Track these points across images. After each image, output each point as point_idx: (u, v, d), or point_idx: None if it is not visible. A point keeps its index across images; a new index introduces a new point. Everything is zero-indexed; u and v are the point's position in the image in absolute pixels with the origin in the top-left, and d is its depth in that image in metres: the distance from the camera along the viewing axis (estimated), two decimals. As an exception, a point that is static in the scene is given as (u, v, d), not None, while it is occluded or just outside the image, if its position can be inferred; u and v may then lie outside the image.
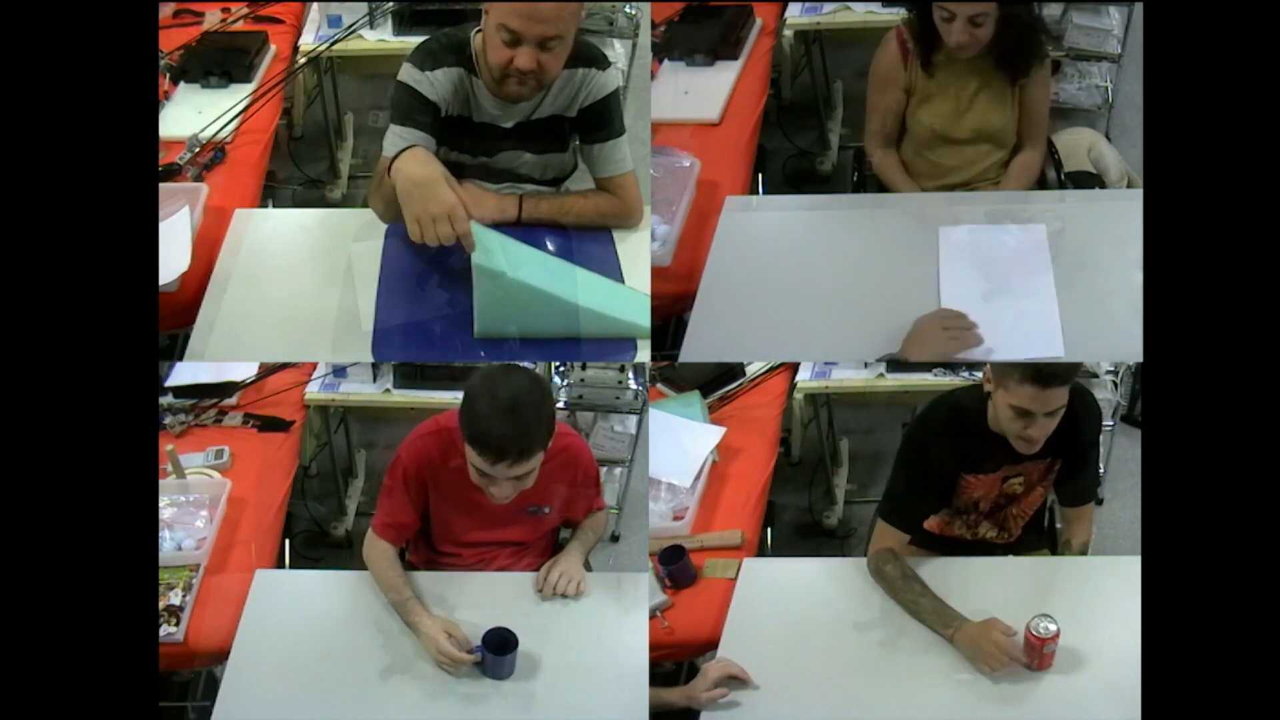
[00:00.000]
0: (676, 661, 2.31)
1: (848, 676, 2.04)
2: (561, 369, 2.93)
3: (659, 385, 2.94)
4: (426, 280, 2.17)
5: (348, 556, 2.96)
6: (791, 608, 2.20)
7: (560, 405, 2.92)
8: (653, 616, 2.24)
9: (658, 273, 2.23)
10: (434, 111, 2.15)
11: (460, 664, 2.00)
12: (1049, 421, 2.06)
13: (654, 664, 2.13)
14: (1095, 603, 2.11)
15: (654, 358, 2.16)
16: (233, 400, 2.87)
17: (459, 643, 2.02)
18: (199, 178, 2.58)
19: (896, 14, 2.62)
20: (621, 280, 2.19)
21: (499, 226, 2.15)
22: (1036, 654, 1.98)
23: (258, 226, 2.40)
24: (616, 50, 3.04)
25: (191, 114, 2.72)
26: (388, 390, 2.97)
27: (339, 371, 2.95)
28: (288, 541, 2.66)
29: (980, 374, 2.15)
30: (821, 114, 3.13)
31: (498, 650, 2.00)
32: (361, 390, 2.97)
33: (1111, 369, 2.88)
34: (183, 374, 2.85)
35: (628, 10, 3.06)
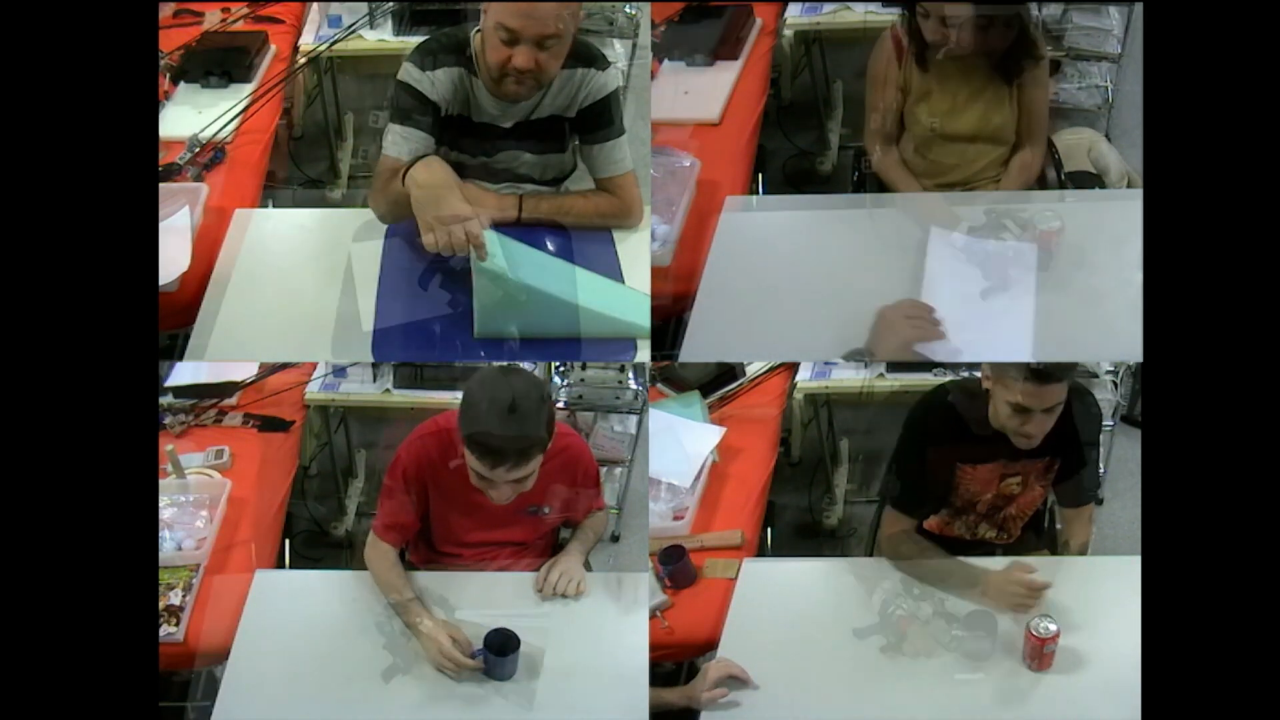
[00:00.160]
0: (676, 661, 2.30)
1: (848, 676, 2.04)
2: (561, 369, 2.92)
3: (659, 385, 2.93)
4: (426, 280, 2.17)
5: (348, 556, 2.94)
6: (791, 608, 2.21)
7: (560, 405, 2.92)
8: (653, 616, 2.23)
9: (658, 273, 2.23)
10: (434, 111, 2.15)
11: (463, 668, 2.00)
12: (1047, 418, 2.07)
13: (654, 664, 2.13)
14: (1095, 603, 2.12)
15: (654, 358, 2.16)
16: (233, 400, 2.86)
17: (462, 646, 2.02)
18: (199, 178, 2.58)
19: (896, 14, 2.62)
20: (621, 280, 2.19)
21: (499, 226, 2.15)
22: (1036, 654, 1.98)
23: (258, 226, 2.40)
24: (616, 50, 3.04)
25: (191, 114, 2.72)
26: (388, 390, 2.96)
27: (339, 371, 2.95)
28: (288, 542, 2.66)
29: (979, 372, 2.16)
30: (821, 114, 3.12)
31: (499, 651, 2.00)
32: (361, 390, 2.96)
33: (1111, 369, 2.88)
34: (183, 374, 2.84)
35: (628, 10, 3.06)
